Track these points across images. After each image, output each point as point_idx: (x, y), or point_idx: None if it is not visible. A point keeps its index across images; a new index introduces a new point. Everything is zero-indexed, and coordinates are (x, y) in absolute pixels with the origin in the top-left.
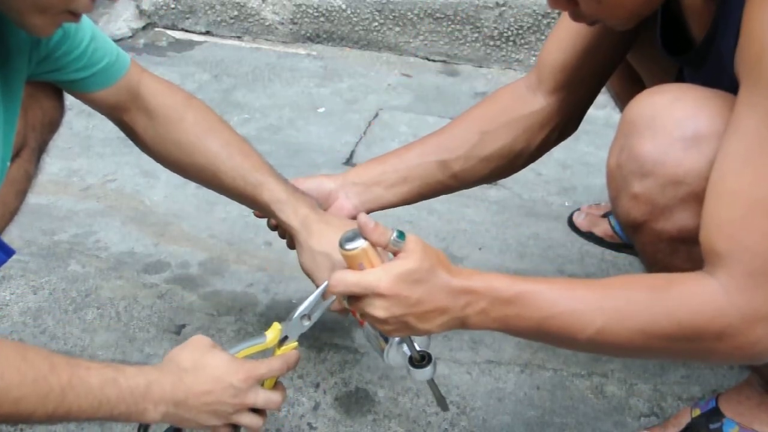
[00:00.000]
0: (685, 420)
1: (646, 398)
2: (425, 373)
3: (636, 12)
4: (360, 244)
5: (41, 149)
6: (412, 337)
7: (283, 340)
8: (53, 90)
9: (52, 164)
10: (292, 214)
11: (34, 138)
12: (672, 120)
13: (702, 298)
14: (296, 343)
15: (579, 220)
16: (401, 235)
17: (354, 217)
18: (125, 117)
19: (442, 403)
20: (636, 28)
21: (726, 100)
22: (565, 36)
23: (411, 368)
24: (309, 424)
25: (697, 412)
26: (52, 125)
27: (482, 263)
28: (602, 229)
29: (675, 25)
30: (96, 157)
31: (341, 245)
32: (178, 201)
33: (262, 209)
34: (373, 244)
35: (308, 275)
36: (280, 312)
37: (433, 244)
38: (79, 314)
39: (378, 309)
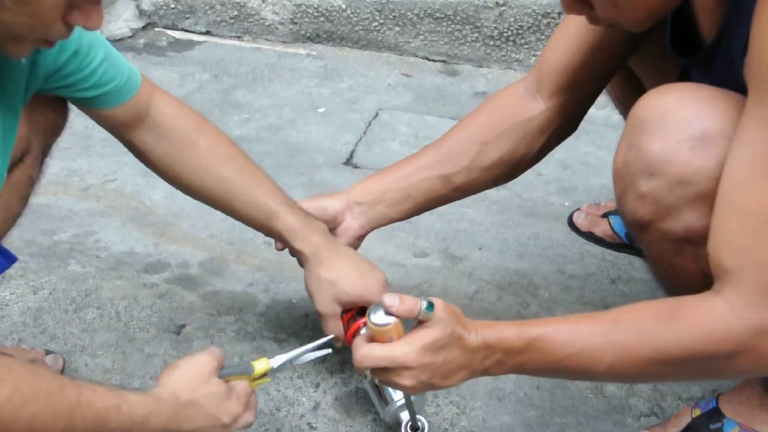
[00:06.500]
0: (685, 420)
1: (646, 398)
2: None
3: (653, 14)
4: (391, 320)
5: (44, 154)
6: (414, 402)
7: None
8: (57, 95)
9: (53, 164)
10: (306, 243)
11: (38, 143)
12: (680, 119)
13: (711, 320)
14: (269, 379)
15: (579, 220)
16: (430, 306)
17: (361, 236)
18: (130, 135)
19: None
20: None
21: (735, 100)
22: (568, 38)
23: None
24: (309, 424)
25: (697, 412)
26: (56, 130)
27: (482, 263)
28: (602, 229)
29: (685, 25)
30: (96, 157)
31: (371, 320)
32: (178, 201)
33: (274, 237)
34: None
35: (309, 296)
36: (280, 312)
37: (433, 244)
38: (79, 314)
39: (406, 379)
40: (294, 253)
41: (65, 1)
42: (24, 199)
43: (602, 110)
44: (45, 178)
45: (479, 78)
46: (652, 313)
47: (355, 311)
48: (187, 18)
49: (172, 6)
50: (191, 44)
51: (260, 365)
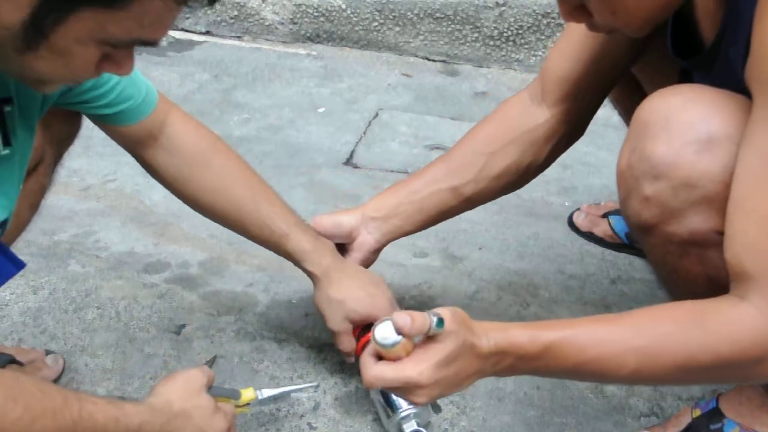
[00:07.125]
0: (685, 420)
1: (646, 398)
2: None
3: (651, 19)
4: (398, 338)
5: (56, 162)
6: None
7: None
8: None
9: None
10: (317, 264)
11: (51, 153)
12: (685, 122)
13: (738, 326)
14: (250, 410)
15: (579, 220)
16: (440, 323)
17: (377, 250)
18: (143, 152)
19: None
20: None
21: (740, 102)
22: (570, 46)
23: None
24: (309, 424)
25: (697, 412)
26: (69, 140)
27: (482, 263)
28: (602, 229)
29: (686, 27)
30: (96, 157)
31: (378, 342)
32: (178, 201)
33: (286, 257)
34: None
35: (320, 314)
36: (280, 312)
37: (433, 244)
38: (79, 314)
39: (419, 397)
40: (305, 272)
41: (100, 54)
42: (34, 207)
43: (602, 110)
44: None
45: (479, 78)
46: (674, 318)
47: (363, 326)
48: (187, 18)
49: None
50: (191, 44)
51: (247, 394)
